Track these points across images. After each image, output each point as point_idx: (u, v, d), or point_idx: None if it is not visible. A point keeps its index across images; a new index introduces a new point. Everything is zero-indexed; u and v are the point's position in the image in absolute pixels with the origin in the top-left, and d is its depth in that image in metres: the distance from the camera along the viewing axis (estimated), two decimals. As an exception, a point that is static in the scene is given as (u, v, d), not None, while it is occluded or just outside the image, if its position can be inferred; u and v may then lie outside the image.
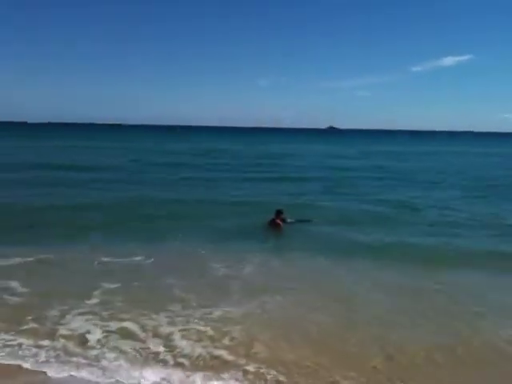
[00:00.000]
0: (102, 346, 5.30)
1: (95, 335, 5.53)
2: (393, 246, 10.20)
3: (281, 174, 24.15)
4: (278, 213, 12.32)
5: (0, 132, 78.36)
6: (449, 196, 17.57)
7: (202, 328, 5.74)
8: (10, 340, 5.38)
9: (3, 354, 5.12)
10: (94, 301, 6.55)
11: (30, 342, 5.35)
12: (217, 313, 6.20)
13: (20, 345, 5.29)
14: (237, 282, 7.46)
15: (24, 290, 6.92)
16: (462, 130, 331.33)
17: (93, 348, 5.26)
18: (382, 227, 12.06)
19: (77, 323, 5.83)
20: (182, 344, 5.34)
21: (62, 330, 5.63)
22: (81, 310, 6.21)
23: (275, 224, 12.16)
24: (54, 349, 5.21)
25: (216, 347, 5.28)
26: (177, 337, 5.51)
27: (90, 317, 6.01)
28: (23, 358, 5.03)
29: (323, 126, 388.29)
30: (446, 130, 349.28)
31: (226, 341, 5.44)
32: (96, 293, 6.81)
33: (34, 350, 5.19)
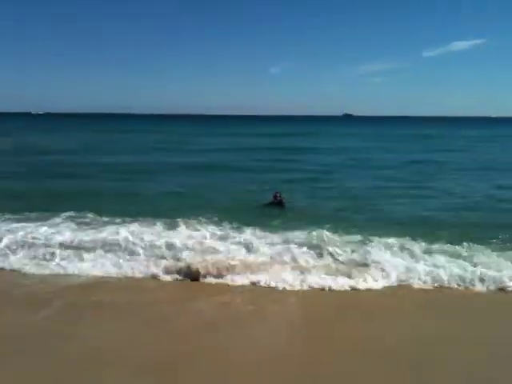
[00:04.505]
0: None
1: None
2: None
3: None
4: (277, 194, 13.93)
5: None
6: None
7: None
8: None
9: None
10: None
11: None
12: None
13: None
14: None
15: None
16: (477, 115, 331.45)
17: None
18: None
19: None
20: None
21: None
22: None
23: (279, 202, 13.74)
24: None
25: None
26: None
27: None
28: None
29: (338, 113, 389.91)
30: (462, 115, 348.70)
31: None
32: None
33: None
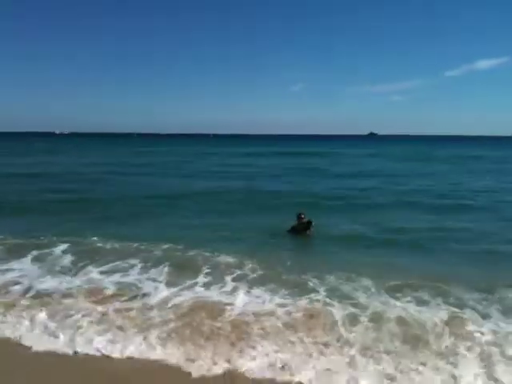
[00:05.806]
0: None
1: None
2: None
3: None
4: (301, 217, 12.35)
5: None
6: None
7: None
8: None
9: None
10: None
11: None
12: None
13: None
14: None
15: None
16: (502, 134, 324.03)
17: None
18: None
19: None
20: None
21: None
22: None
23: (307, 224, 12.26)
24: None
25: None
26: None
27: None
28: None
29: (364, 132, 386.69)
30: (487, 134, 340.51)
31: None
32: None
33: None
